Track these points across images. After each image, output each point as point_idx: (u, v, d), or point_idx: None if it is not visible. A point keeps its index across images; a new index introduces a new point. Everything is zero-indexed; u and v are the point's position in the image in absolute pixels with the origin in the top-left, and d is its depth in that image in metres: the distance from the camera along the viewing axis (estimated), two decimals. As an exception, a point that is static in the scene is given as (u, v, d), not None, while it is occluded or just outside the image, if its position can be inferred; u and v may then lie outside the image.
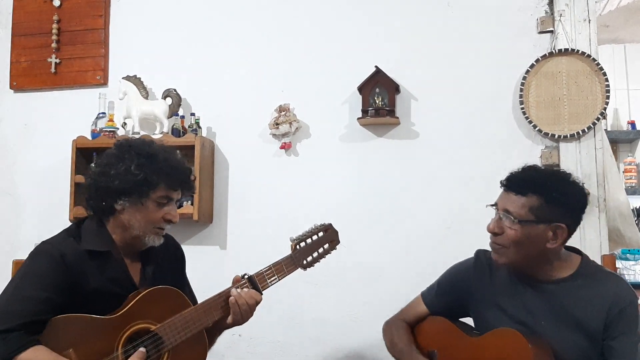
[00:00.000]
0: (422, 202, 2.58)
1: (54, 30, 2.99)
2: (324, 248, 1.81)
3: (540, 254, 1.58)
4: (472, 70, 2.59)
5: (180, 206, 2.60)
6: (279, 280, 1.70)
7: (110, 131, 2.76)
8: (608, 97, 2.42)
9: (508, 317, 1.63)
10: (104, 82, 2.95)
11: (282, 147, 2.72)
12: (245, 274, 1.69)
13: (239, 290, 1.63)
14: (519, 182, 1.59)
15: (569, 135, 2.44)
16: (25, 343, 1.40)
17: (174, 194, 1.64)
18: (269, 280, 1.68)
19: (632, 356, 1.53)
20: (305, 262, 1.76)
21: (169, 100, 2.75)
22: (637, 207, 3.85)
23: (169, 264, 1.75)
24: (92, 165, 2.75)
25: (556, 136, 2.45)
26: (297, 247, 1.75)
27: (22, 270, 1.55)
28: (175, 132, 2.74)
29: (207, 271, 2.52)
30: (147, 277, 1.65)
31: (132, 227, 1.60)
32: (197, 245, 2.75)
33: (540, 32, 2.53)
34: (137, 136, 2.71)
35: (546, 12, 2.54)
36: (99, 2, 2.98)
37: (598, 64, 2.44)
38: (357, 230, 2.57)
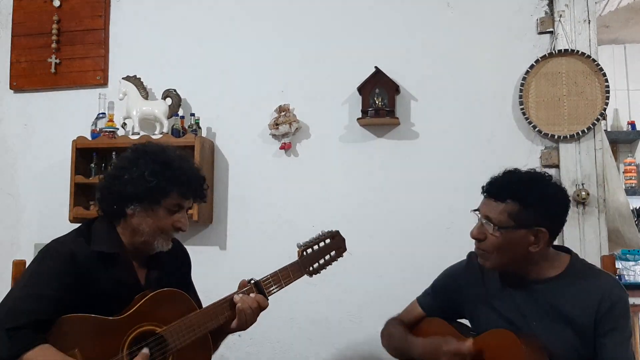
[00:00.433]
0: (422, 202, 2.58)
1: (54, 31, 3.00)
2: (330, 255, 1.80)
3: (525, 257, 1.59)
4: (472, 70, 2.59)
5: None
6: (285, 286, 1.70)
7: (110, 131, 2.76)
8: (608, 98, 2.43)
9: (500, 318, 1.65)
10: (103, 83, 2.95)
11: (282, 148, 2.72)
12: (251, 279, 1.68)
13: (244, 295, 1.63)
14: (498, 188, 1.60)
15: (568, 136, 2.44)
16: (33, 341, 1.39)
17: (186, 202, 1.65)
18: (275, 286, 1.69)
19: (624, 352, 1.55)
20: (311, 268, 1.76)
21: (168, 101, 2.76)
22: (637, 208, 3.85)
23: (175, 269, 1.76)
24: (93, 166, 2.77)
25: (556, 137, 2.45)
26: (304, 253, 1.75)
27: (31, 268, 1.55)
28: (175, 132, 2.74)
29: (207, 271, 2.52)
30: (152, 280, 1.65)
31: (142, 232, 1.60)
32: (197, 245, 2.75)
33: (540, 33, 2.54)
34: (136, 137, 2.71)
35: (546, 13, 2.54)
36: (99, 2, 2.99)
37: (598, 65, 2.44)
38: (357, 230, 2.55)
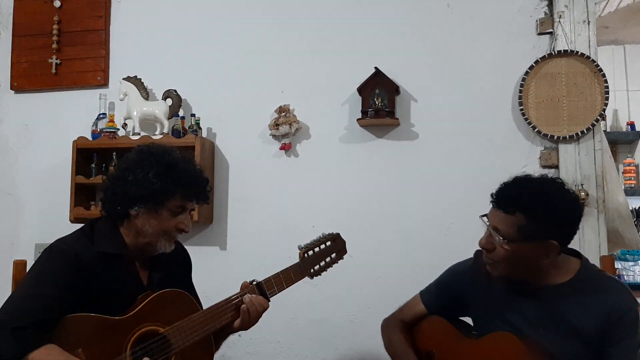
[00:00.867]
0: (422, 203, 2.59)
1: (55, 31, 3.00)
2: (331, 257, 1.82)
3: (534, 268, 1.56)
4: (472, 71, 2.59)
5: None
6: (286, 288, 1.71)
7: (110, 132, 2.76)
8: (607, 99, 2.43)
9: (505, 322, 1.62)
10: (104, 83, 2.95)
11: (282, 148, 2.72)
12: (253, 280, 1.69)
13: (252, 296, 1.64)
14: (507, 199, 1.54)
15: (568, 137, 2.44)
16: (38, 341, 1.40)
17: (189, 204, 1.65)
18: (277, 288, 1.70)
19: None
20: (312, 270, 1.77)
21: (169, 101, 2.76)
22: (636, 208, 3.85)
23: (176, 270, 1.77)
24: (94, 166, 2.78)
25: (555, 137, 2.46)
26: (305, 255, 1.76)
27: (36, 268, 1.56)
28: (176, 132, 2.75)
29: (207, 272, 2.53)
30: (154, 281, 1.66)
31: (145, 233, 1.61)
32: (197, 245, 2.75)
33: (540, 34, 2.54)
34: (137, 137, 2.72)
35: (545, 14, 2.55)
36: (100, 3, 2.99)
37: (597, 66, 2.44)
38: (356, 230, 2.56)
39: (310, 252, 1.77)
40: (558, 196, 1.54)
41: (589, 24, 2.49)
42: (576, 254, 1.66)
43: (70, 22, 3.02)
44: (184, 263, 1.85)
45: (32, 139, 3.03)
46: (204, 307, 1.66)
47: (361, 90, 2.62)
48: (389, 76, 2.59)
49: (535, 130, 2.48)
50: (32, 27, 3.05)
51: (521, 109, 2.49)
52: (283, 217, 2.69)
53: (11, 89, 3.06)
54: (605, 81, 2.43)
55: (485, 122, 2.56)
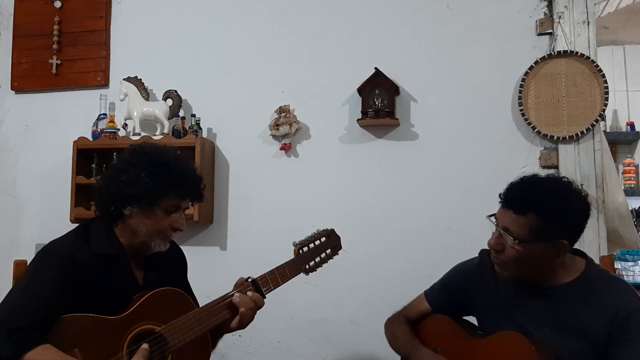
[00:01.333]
0: (422, 203, 2.59)
1: (55, 32, 3.00)
2: (326, 253, 1.82)
3: (545, 268, 1.56)
4: (472, 71, 2.60)
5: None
6: (282, 284, 1.70)
7: (111, 132, 2.77)
8: (607, 99, 2.43)
9: (511, 322, 1.61)
10: (104, 84, 2.96)
11: (282, 148, 2.73)
12: (249, 277, 1.69)
13: (242, 294, 1.63)
14: (518, 200, 1.53)
15: (567, 137, 2.45)
16: (34, 342, 1.39)
17: (183, 202, 1.65)
18: (272, 284, 1.69)
19: None
20: (307, 266, 1.77)
21: (169, 102, 2.76)
22: (636, 209, 3.85)
23: (172, 269, 1.77)
24: (94, 166, 2.78)
25: (555, 138, 2.46)
26: (300, 251, 1.76)
27: (31, 269, 1.56)
28: (176, 133, 2.75)
29: (208, 272, 2.54)
30: (150, 281, 1.66)
31: (140, 233, 1.60)
32: (198, 245, 2.76)
33: (540, 34, 2.54)
34: (137, 137, 2.72)
35: (545, 14, 2.55)
36: (100, 3, 2.99)
37: (597, 66, 2.45)
38: (356, 231, 2.58)
39: (305, 249, 1.77)
40: (569, 195, 1.54)
41: (588, 24, 2.49)
42: (581, 253, 1.65)
43: (70, 22, 3.02)
44: (179, 262, 1.85)
45: (32, 140, 3.03)
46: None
47: (361, 90, 2.62)
48: (389, 76, 2.59)
49: (535, 130, 2.48)
50: (33, 27, 3.05)
51: (521, 110, 2.49)
52: (283, 218, 2.70)
53: (12, 89, 3.07)
54: (605, 81, 2.44)
55: (485, 122, 2.56)
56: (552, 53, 2.49)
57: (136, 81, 2.79)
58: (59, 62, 3.00)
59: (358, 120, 2.63)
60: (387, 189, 2.63)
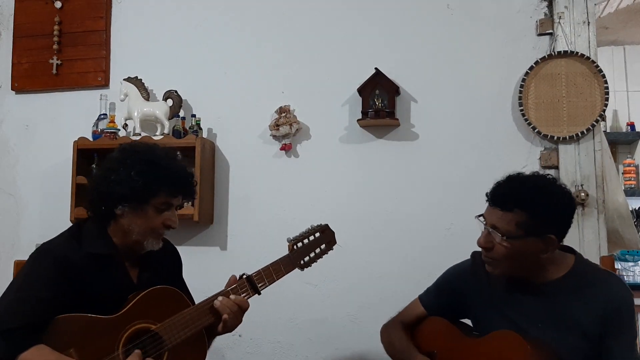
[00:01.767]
0: (422, 203, 2.59)
1: (56, 32, 3.00)
2: (321, 248, 1.82)
3: (534, 263, 1.58)
4: (472, 72, 2.60)
5: (180, 207, 2.60)
6: (277, 280, 1.70)
7: (111, 132, 2.77)
8: (607, 99, 2.43)
9: (506, 320, 1.63)
10: (105, 84, 2.96)
11: (282, 149, 2.73)
12: (243, 274, 1.69)
13: (223, 299, 1.62)
14: (504, 197, 1.57)
15: (568, 137, 2.45)
16: (28, 342, 1.40)
17: (174, 200, 1.65)
18: (267, 280, 1.68)
19: (631, 354, 1.54)
20: (302, 262, 1.77)
21: (169, 102, 2.76)
22: (636, 209, 3.85)
23: (166, 267, 1.76)
24: (95, 167, 2.78)
25: (555, 138, 2.46)
26: (294, 247, 1.76)
27: (24, 270, 1.55)
28: (176, 133, 2.75)
29: (208, 272, 2.53)
30: (145, 280, 1.66)
31: (132, 232, 1.60)
32: (198, 246, 2.76)
33: (540, 35, 2.54)
34: (137, 137, 2.72)
35: (545, 15, 2.55)
36: (100, 3, 2.99)
37: (597, 66, 2.45)
38: (356, 231, 2.58)
39: (300, 244, 1.77)
40: (553, 191, 1.58)
41: (588, 24, 2.49)
42: (570, 250, 1.68)
43: (71, 22, 3.02)
44: (173, 260, 1.85)
45: (32, 140, 3.03)
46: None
47: (361, 90, 2.62)
48: (389, 77, 2.60)
49: (535, 130, 2.48)
50: (33, 28, 3.05)
51: (521, 110, 2.49)
52: (283, 218, 2.70)
53: (12, 89, 3.07)
54: (605, 82, 2.44)
55: (486, 122, 2.57)
56: (553, 53, 2.49)
57: (136, 81, 2.80)
58: (59, 62, 3.00)
59: (358, 120, 2.63)
60: (387, 189, 2.63)
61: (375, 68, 2.60)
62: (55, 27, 3.00)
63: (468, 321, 1.83)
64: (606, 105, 2.43)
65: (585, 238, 2.38)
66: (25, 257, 1.86)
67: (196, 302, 1.72)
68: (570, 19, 2.50)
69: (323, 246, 1.82)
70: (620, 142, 4.21)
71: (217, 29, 2.87)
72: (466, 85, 2.60)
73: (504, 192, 1.58)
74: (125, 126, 2.82)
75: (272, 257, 1.76)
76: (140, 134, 2.75)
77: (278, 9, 2.82)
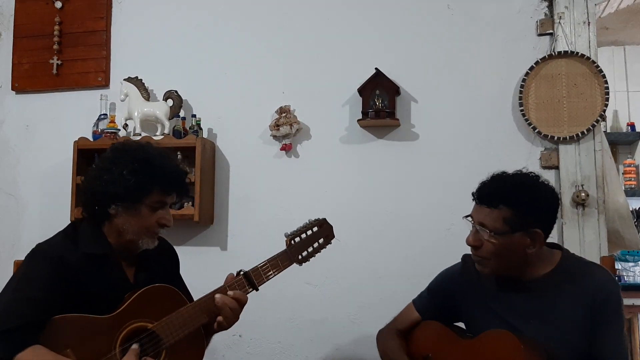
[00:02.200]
0: (422, 203, 2.59)
1: (56, 32, 3.00)
2: (319, 243, 1.80)
3: (522, 259, 1.61)
4: (472, 72, 2.60)
5: (180, 207, 2.61)
6: (275, 275, 1.69)
7: (111, 132, 2.77)
8: (607, 100, 2.43)
9: (498, 319, 1.65)
10: (105, 84, 2.96)
11: (282, 149, 2.73)
12: (241, 270, 1.69)
13: (222, 296, 1.61)
14: (489, 195, 1.61)
15: (568, 137, 2.45)
16: (24, 343, 1.40)
17: (168, 198, 1.64)
18: (264, 276, 1.67)
19: (619, 345, 1.56)
20: (300, 257, 1.75)
21: (170, 102, 2.77)
22: (637, 209, 3.85)
23: (163, 266, 1.76)
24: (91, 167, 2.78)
25: (555, 138, 2.46)
26: (292, 242, 1.75)
27: (20, 271, 1.55)
28: (177, 133, 2.75)
29: (208, 272, 2.51)
30: (141, 279, 1.65)
31: (127, 231, 1.60)
32: (198, 246, 2.76)
33: (540, 35, 2.54)
34: (137, 137, 2.72)
35: (546, 15, 2.55)
36: (101, 4, 2.99)
37: (597, 66, 2.45)
38: (356, 231, 2.58)
39: (297, 239, 1.76)
40: (537, 186, 1.63)
41: (589, 25, 2.49)
42: (557, 246, 1.72)
43: (71, 23, 3.02)
44: (170, 258, 1.84)
45: (33, 140, 3.03)
46: None
47: (361, 91, 2.62)
48: (389, 77, 2.60)
49: (536, 131, 2.48)
50: (34, 28, 3.05)
51: (521, 110, 2.49)
52: (283, 218, 2.69)
53: (12, 89, 3.07)
54: (606, 82, 2.44)
55: (486, 123, 2.57)
56: (553, 53, 2.49)
57: (137, 81, 2.80)
58: (59, 62, 3.00)
59: (358, 120, 2.63)
60: (388, 189, 2.63)
61: (376, 68, 2.60)
62: (56, 27, 3.00)
63: (462, 324, 1.84)
64: (606, 106, 2.44)
65: (586, 238, 2.38)
66: (25, 257, 1.86)
67: (193, 298, 1.72)
68: (570, 19, 2.50)
69: (321, 240, 1.81)
70: (620, 142, 4.22)
71: (217, 29, 2.88)
72: (466, 85, 2.60)
73: (489, 191, 1.63)
74: (125, 126, 2.82)
75: (272, 257, 1.75)
76: (140, 134, 2.76)
77: (278, 9, 2.82)
